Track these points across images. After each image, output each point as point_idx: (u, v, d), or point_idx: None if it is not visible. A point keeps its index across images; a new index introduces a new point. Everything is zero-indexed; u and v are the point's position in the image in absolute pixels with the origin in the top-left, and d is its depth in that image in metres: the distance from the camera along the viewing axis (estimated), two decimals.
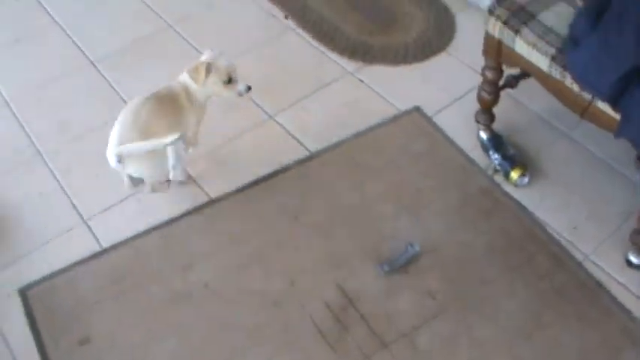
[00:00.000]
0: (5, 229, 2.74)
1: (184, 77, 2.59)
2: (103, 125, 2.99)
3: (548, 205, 2.67)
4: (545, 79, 2.45)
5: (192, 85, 2.57)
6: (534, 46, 2.39)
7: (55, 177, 2.89)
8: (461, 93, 3.06)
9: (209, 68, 2.53)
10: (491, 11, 2.52)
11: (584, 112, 2.37)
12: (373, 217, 2.65)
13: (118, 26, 3.59)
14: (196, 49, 3.29)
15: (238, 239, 2.62)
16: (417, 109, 3.01)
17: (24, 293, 2.55)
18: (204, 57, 2.61)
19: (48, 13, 3.73)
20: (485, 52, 2.64)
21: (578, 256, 2.52)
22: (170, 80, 2.64)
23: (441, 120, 2.96)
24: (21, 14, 3.76)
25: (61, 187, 2.86)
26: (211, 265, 2.55)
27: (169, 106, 2.56)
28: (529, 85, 2.72)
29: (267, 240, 2.60)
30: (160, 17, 3.60)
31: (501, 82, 2.75)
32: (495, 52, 2.58)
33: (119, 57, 3.41)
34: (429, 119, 2.97)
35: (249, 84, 2.62)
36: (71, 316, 2.47)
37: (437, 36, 3.36)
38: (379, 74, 3.19)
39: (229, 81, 2.59)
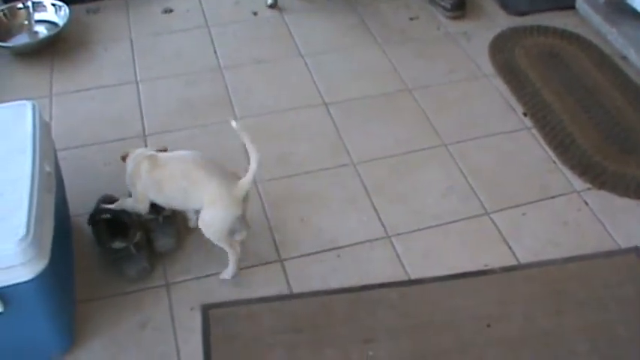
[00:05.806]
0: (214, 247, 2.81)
1: None
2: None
3: None
4: None
5: None
6: None
7: (265, 215, 2.96)
8: None
9: None
10: None
11: None
12: (564, 350, 2.52)
13: (361, 76, 3.70)
14: (428, 119, 3.30)
15: (424, 329, 2.55)
16: (636, 249, 2.86)
17: (206, 311, 2.59)
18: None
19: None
20: None
21: None
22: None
23: None
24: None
25: (267, 220, 2.93)
26: (391, 347, 2.50)
27: None
28: None
29: (453, 339, 2.52)
30: (402, 81, 3.67)
31: None
32: None
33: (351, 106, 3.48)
34: None
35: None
36: (243, 349, 2.49)
37: None
38: (606, 201, 3.04)
39: None
